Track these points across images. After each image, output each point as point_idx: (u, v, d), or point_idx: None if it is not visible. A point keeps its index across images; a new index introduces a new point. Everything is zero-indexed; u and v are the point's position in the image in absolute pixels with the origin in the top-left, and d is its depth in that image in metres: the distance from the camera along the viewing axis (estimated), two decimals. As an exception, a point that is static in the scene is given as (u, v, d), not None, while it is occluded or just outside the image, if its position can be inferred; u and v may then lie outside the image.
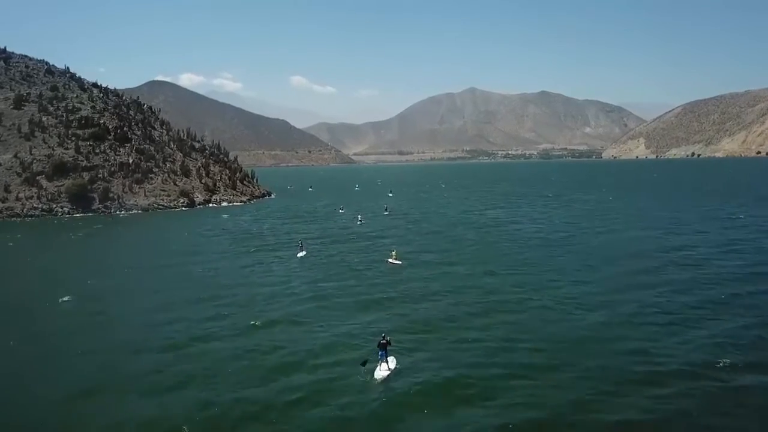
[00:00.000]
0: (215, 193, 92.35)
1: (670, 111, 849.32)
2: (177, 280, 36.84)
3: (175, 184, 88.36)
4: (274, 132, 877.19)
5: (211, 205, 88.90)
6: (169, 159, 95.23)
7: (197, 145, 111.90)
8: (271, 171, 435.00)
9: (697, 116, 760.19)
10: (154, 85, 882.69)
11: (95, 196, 78.70)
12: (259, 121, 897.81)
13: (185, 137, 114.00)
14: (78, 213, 75.90)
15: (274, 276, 37.28)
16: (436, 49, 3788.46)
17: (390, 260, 40.74)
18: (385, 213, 76.39)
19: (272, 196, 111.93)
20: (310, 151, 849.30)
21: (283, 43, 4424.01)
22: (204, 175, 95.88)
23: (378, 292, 31.95)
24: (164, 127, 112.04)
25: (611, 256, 42.45)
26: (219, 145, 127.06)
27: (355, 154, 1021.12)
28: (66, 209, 75.72)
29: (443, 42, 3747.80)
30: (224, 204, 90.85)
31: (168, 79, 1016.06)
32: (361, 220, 66.42)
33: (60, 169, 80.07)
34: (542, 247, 46.34)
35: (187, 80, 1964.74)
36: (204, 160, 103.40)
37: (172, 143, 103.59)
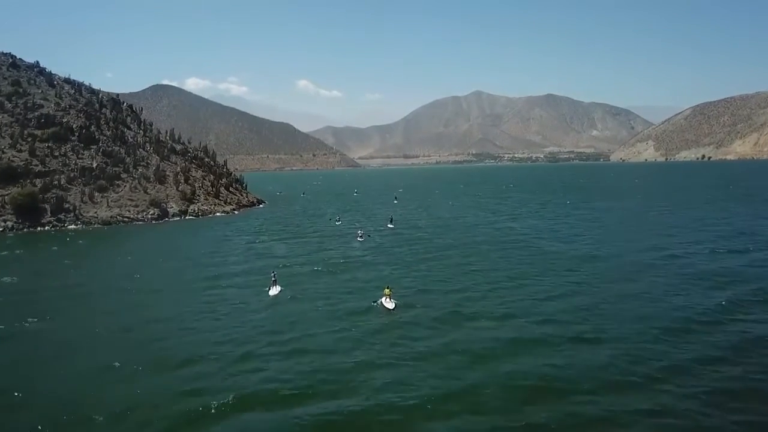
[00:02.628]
0: (193, 203, 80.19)
1: (679, 113, 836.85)
2: (64, 333, 24.69)
3: (146, 192, 76.32)
4: (279, 136, 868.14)
5: (187, 216, 76.71)
6: (141, 163, 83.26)
7: (178, 147, 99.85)
8: (272, 175, 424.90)
9: (707, 118, 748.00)
10: (158, 89, 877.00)
11: (47, 207, 66.75)
12: (264, 125, 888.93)
13: (166, 138, 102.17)
14: (24, 227, 63.91)
15: (211, 331, 25.00)
16: (441, 53, 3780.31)
17: (382, 301, 28.84)
18: (390, 225, 64.38)
19: (262, 206, 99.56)
20: (314, 155, 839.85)
21: (289, 48, 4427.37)
22: (182, 181, 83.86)
23: (352, 370, 19.88)
24: (142, 127, 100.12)
25: (692, 287, 30.48)
26: (206, 147, 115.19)
27: (360, 158, 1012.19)
28: (10, 224, 63.76)
29: (449, 45, 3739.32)
30: (203, 215, 78.79)
31: (174, 84, 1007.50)
32: (361, 237, 54.41)
33: (8, 175, 68.33)
34: (596, 278, 33.92)
35: (193, 84, 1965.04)
36: (184, 164, 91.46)
37: (148, 145, 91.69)
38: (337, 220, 70.53)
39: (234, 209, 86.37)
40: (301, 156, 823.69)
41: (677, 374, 19.19)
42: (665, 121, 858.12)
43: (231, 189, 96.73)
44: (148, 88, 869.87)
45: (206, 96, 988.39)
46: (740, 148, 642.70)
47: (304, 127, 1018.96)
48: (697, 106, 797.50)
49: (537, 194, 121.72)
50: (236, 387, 18.38)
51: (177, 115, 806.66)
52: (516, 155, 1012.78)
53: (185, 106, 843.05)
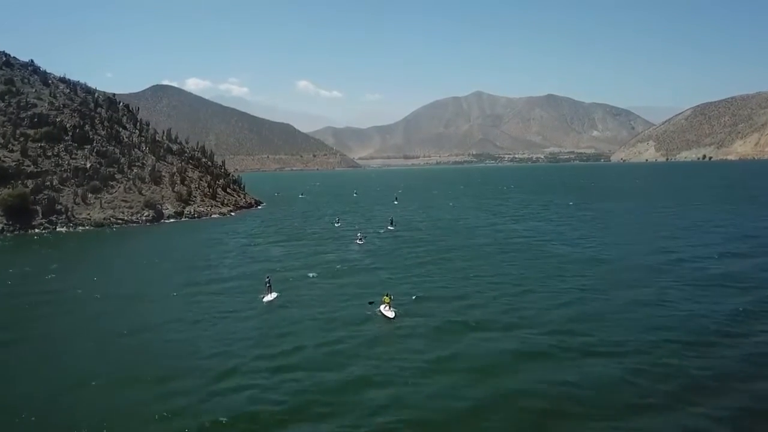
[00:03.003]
0: (189, 204, 78.62)
1: (680, 113, 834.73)
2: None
3: (140, 193, 74.75)
4: (279, 136, 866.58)
5: (183, 218, 75.17)
6: (136, 163, 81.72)
7: (175, 147, 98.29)
8: (271, 175, 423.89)
9: (708, 119, 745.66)
10: (158, 89, 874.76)
11: (38, 208, 65.22)
12: (264, 125, 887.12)
13: (162, 138, 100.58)
14: (14, 230, 62.36)
15: (197, 342, 23.37)
16: (441, 53, 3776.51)
17: (381, 309, 27.45)
18: (390, 228, 63.05)
19: (260, 207, 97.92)
20: (315, 155, 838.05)
21: (289, 48, 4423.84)
22: (178, 182, 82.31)
23: (345, 388, 18.32)
24: (138, 126, 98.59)
25: (705, 293, 28.80)
26: (204, 147, 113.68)
27: (360, 158, 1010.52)
28: (0, 225, 62.26)
29: (449, 46, 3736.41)
30: (199, 217, 77.23)
31: (175, 84, 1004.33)
32: (360, 239, 53.07)
33: (-1, 176, 66.83)
34: (604, 284, 32.24)
35: (193, 85, 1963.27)
36: (181, 164, 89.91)
37: (144, 145, 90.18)
38: (336, 222, 69.10)
39: (231, 211, 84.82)
40: (302, 156, 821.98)
41: (700, 393, 17.68)
42: (666, 122, 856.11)
43: (228, 190, 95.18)
44: (148, 89, 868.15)
45: (207, 97, 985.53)
46: (741, 149, 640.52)
47: (304, 127, 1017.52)
48: (698, 106, 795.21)
49: (539, 195, 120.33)
50: (217, 408, 16.86)
51: (177, 115, 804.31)
52: (516, 156, 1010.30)
53: (185, 107, 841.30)
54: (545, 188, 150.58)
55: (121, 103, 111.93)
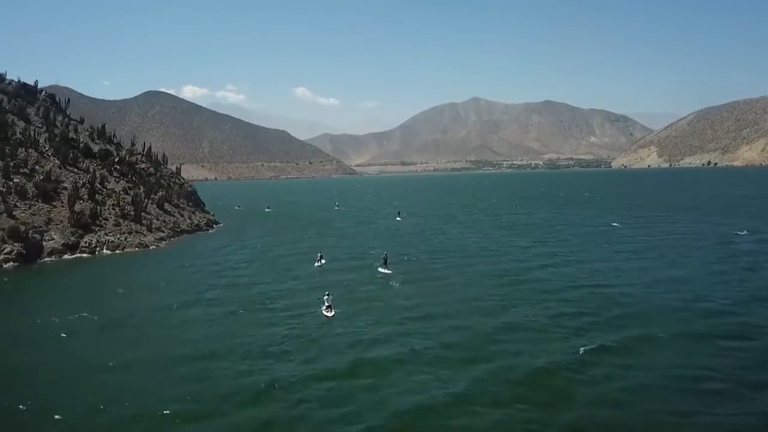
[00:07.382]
0: (92, 231, 53.51)
1: (682, 118, 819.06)
2: None
3: (10, 215, 49.62)
4: (275, 143, 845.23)
5: (77, 253, 50.01)
6: (22, 169, 56.79)
7: (96, 148, 72.80)
8: (262, 184, 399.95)
9: (711, 123, 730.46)
10: (150, 96, 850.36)
11: None
12: (259, 132, 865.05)
13: (82, 135, 75.11)
14: None
15: None
16: (439, 59, 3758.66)
17: None
18: (384, 270, 39.55)
19: (211, 230, 71.74)
20: (310, 162, 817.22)
21: (287, 56, 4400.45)
22: (86, 197, 57.30)
23: None
24: (49, 120, 73.38)
25: None
26: (150, 149, 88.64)
27: (357, 165, 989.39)
28: None
29: (446, 52, 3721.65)
30: (107, 249, 52.10)
31: (171, 92, 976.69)
32: (329, 307, 28.97)
33: None
34: None
35: (189, 93, 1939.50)
36: (100, 171, 64.85)
37: (47, 143, 65.19)
38: (318, 261, 44.28)
39: (163, 238, 59.31)
40: (297, 164, 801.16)
41: None
42: (668, 127, 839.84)
43: (168, 206, 69.69)
44: (140, 95, 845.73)
45: (203, 104, 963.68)
46: (747, 154, 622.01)
47: (301, 134, 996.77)
48: (700, 110, 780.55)
49: (569, 209, 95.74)
50: None
51: (169, 122, 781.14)
52: (515, 162, 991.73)
53: (178, 113, 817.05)
54: (569, 199, 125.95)
55: (44, 93, 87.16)
